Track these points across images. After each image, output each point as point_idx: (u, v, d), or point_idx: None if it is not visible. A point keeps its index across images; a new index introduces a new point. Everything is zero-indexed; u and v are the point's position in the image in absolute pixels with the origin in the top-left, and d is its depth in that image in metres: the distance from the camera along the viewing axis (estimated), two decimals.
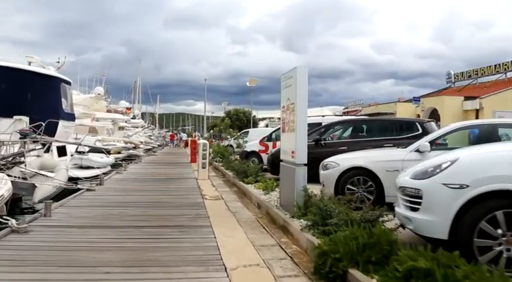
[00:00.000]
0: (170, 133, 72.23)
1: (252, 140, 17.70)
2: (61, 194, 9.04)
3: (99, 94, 27.56)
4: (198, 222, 5.85)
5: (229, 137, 27.32)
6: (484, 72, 37.96)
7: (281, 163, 6.58)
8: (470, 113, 31.87)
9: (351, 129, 10.98)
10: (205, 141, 12.44)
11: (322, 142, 9.92)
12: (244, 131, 24.31)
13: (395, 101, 44.94)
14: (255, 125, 44.41)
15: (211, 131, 38.44)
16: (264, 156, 13.54)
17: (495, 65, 37.26)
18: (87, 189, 8.79)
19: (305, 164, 5.70)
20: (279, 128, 14.94)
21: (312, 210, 4.69)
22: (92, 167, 15.33)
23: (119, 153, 25.54)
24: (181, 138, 53.87)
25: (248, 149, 14.84)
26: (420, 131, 8.99)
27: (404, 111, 36.69)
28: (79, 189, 8.72)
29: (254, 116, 43.92)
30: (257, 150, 14.25)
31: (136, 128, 48.64)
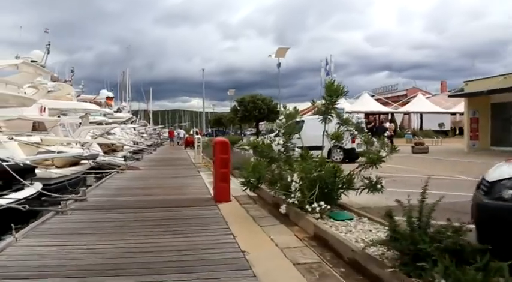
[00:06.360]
0: (168, 129, 61.81)
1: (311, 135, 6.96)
2: None
3: (32, 61, 15.84)
4: None
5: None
6: None
7: None
8: None
9: None
10: None
11: None
12: (297, 120, 13.11)
13: None
14: (277, 115, 33.24)
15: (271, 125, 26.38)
16: None
17: None
18: None
19: None
20: None
21: None
22: None
23: (75, 165, 14.42)
24: (178, 135, 42.43)
25: None
26: None
27: None
28: None
29: (276, 103, 32.55)
30: None
31: (125, 123, 37.69)
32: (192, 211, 6.32)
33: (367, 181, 5.88)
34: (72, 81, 27.74)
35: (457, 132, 39.48)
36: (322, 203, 5.05)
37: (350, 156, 14.62)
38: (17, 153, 12.01)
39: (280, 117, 6.91)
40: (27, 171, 9.77)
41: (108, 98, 37.33)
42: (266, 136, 13.36)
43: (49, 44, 18.54)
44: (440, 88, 56.52)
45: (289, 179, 5.18)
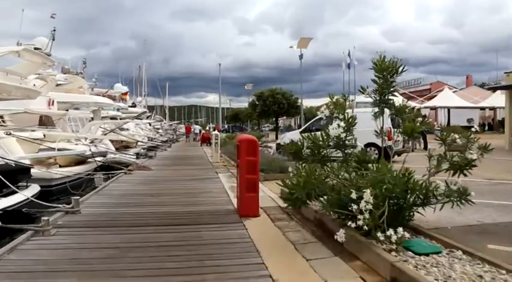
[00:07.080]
0: (185, 125, 60.81)
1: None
2: None
3: (36, 49, 14.50)
4: None
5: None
6: None
7: None
8: None
9: None
10: None
11: None
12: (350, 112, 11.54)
13: None
14: (297, 110, 31.59)
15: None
16: None
17: None
18: None
19: None
20: None
21: None
22: None
23: (81, 164, 13.14)
24: (193, 131, 41.18)
25: None
26: None
27: None
28: None
29: (296, 98, 30.86)
30: None
31: (139, 118, 36.59)
32: (212, 231, 4.83)
33: (449, 190, 4.29)
34: (84, 74, 26.55)
35: (486, 128, 37.21)
36: (400, 229, 3.50)
37: (384, 155, 13.01)
38: (13, 151, 10.77)
39: (323, 107, 5.41)
40: (20, 172, 8.48)
41: (123, 93, 36.20)
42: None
43: (54, 30, 17.26)
44: (466, 82, 54.01)
45: (353, 196, 3.62)
